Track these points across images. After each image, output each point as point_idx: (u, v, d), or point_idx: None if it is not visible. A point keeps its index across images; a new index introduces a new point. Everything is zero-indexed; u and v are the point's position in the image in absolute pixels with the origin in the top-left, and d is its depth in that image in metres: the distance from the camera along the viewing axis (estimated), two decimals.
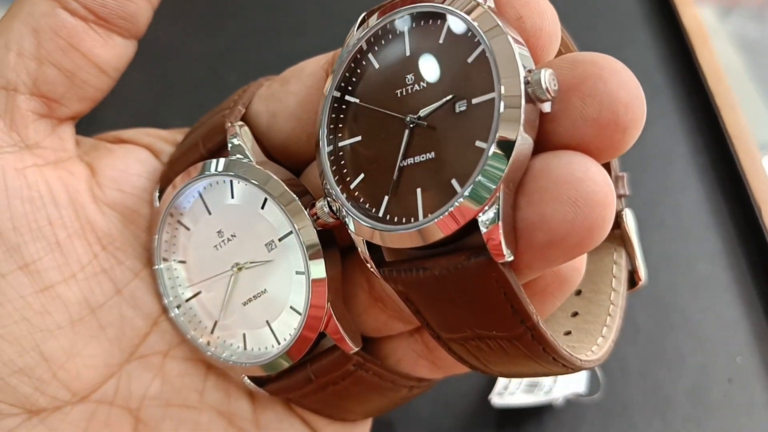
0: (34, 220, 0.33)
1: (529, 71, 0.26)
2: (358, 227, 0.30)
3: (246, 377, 0.36)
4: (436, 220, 0.27)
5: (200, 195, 0.35)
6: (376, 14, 0.31)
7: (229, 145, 0.34)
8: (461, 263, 0.27)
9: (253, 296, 0.35)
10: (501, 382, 0.49)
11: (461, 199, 0.26)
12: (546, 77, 0.25)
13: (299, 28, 0.71)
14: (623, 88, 0.25)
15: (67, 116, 0.35)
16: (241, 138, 0.34)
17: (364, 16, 0.32)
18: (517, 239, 0.27)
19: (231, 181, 0.34)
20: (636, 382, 0.50)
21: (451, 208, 0.27)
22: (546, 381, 0.48)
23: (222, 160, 0.34)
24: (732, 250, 0.56)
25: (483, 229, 0.26)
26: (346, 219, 0.30)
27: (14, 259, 0.32)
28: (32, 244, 0.33)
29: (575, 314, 0.37)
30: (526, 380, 0.48)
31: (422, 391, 0.38)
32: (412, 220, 0.28)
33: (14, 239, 0.32)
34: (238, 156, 0.34)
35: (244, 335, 0.35)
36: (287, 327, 0.34)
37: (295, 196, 0.32)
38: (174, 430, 0.36)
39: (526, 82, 0.26)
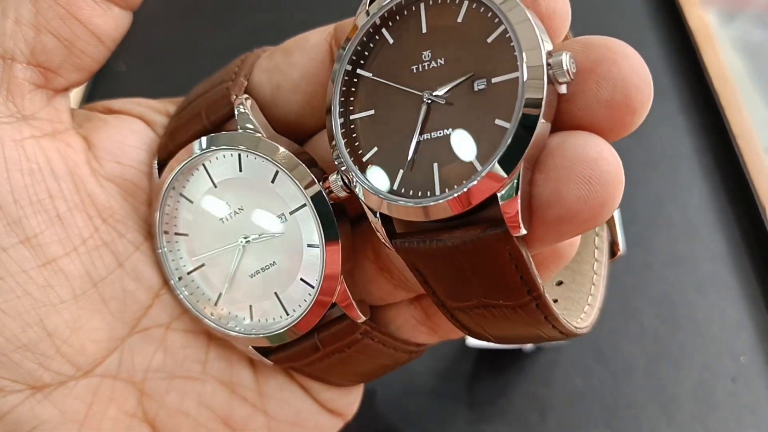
0: (35, 193, 0.32)
1: (549, 53, 0.27)
2: (369, 197, 0.30)
3: (251, 347, 0.36)
4: (457, 194, 0.28)
5: (205, 168, 0.35)
6: None
7: (237, 117, 0.34)
8: (477, 236, 0.28)
9: (261, 268, 0.35)
10: None
11: (483, 175, 0.27)
12: (566, 60, 0.26)
13: (308, 25, 0.71)
14: (635, 72, 0.26)
15: (63, 87, 0.34)
16: (249, 111, 0.34)
17: None
18: (532, 214, 0.28)
19: (239, 155, 0.34)
20: (641, 380, 0.50)
21: (473, 184, 0.28)
22: None
23: (229, 134, 0.34)
24: (736, 250, 0.56)
25: (502, 204, 0.27)
26: (357, 189, 0.31)
27: (15, 233, 0.32)
28: (33, 218, 0.32)
29: (560, 283, 0.38)
30: None
31: (419, 355, 0.39)
32: (428, 194, 0.29)
33: (15, 212, 0.32)
34: (248, 128, 0.34)
35: (250, 307, 0.36)
36: (297, 298, 0.34)
37: (308, 170, 0.33)
38: (178, 401, 0.37)
39: (548, 65, 0.27)
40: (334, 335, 0.35)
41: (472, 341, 0.50)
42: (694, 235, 0.57)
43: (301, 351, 0.35)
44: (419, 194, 0.29)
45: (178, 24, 0.72)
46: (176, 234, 0.36)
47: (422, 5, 0.31)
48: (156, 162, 0.36)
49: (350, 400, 0.40)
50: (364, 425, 0.43)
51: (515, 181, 0.27)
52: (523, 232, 0.27)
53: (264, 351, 0.36)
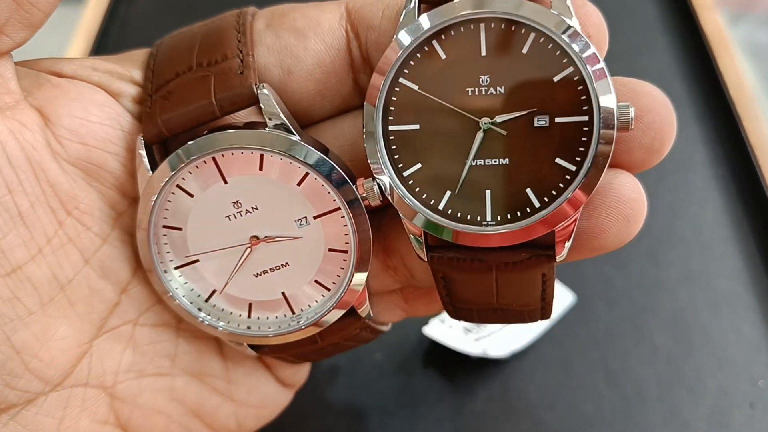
0: None
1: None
2: (409, 213, 0.31)
3: (247, 345, 0.36)
4: (520, 226, 0.30)
5: (215, 162, 0.32)
6: (442, 5, 0.31)
7: (264, 112, 0.32)
8: (521, 259, 0.31)
9: (270, 269, 0.34)
10: (442, 315, 0.50)
11: (551, 210, 0.30)
12: (632, 112, 0.29)
13: None
14: (670, 123, 0.30)
15: (7, 49, 0.29)
16: (275, 104, 0.32)
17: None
18: (572, 243, 0.31)
19: (261, 154, 0.32)
20: (654, 405, 0.47)
21: (538, 218, 0.30)
22: (482, 331, 0.50)
23: (257, 134, 0.32)
24: (754, 267, 0.54)
25: (558, 232, 0.30)
26: (397, 203, 0.31)
27: None
28: None
29: None
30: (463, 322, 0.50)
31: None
32: (479, 219, 0.31)
33: None
34: (275, 124, 0.31)
35: (250, 305, 0.35)
36: (307, 299, 0.34)
37: (344, 175, 0.32)
38: (151, 401, 0.35)
39: (618, 113, 0.29)
40: (336, 330, 0.35)
41: (429, 331, 0.49)
42: (708, 251, 0.55)
43: (297, 344, 0.36)
44: (468, 218, 0.31)
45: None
46: (165, 227, 0.34)
47: (482, 26, 0.30)
48: (143, 144, 0.32)
49: (304, 372, 0.41)
50: None
51: (576, 220, 0.30)
52: (563, 257, 0.31)
53: (257, 346, 0.36)
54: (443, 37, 0.31)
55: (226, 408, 0.38)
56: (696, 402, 0.48)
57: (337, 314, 0.34)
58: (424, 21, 0.31)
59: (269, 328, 0.35)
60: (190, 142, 0.32)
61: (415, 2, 0.31)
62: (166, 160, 0.32)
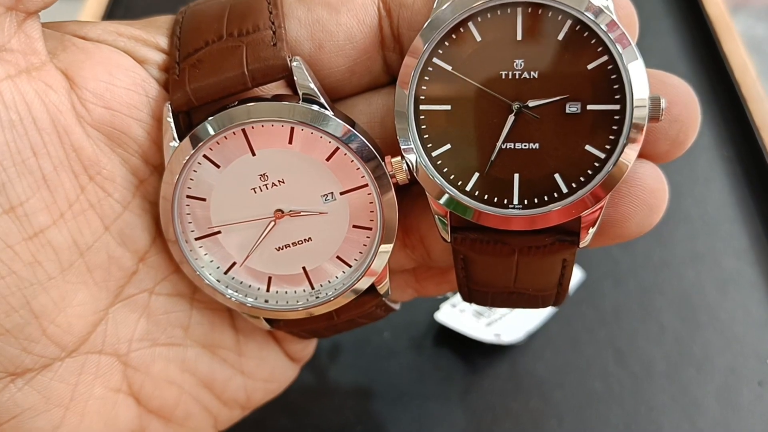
0: (17, 151, 0.28)
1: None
2: (437, 192, 0.31)
3: (263, 319, 0.35)
4: (548, 210, 0.30)
5: (245, 134, 0.32)
6: None
7: (298, 86, 0.31)
8: (544, 244, 0.31)
9: (292, 243, 0.34)
10: (452, 300, 0.51)
11: (580, 196, 0.30)
12: (664, 102, 0.29)
13: None
14: (694, 116, 0.31)
15: (36, 8, 0.29)
16: (308, 77, 0.31)
17: None
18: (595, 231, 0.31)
19: (292, 128, 0.32)
20: (662, 383, 0.47)
21: (566, 203, 0.30)
22: (494, 315, 0.50)
23: (289, 106, 0.31)
24: (760, 246, 0.54)
25: (584, 219, 0.30)
26: (426, 183, 0.31)
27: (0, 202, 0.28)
28: (18, 182, 0.28)
29: None
30: (475, 306, 0.50)
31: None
32: (505, 201, 0.31)
33: None
34: (307, 98, 0.31)
35: (269, 279, 0.35)
36: (327, 275, 0.34)
37: (375, 152, 0.32)
38: (163, 370, 0.35)
39: (650, 103, 0.29)
40: (354, 307, 0.35)
41: (441, 317, 0.50)
42: (714, 231, 0.55)
43: (313, 320, 0.35)
44: (495, 200, 0.31)
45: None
46: (188, 197, 0.33)
47: (519, 9, 0.30)
48: (170, 113, 0.31)
49: (311, 347, 0.41)
50: None
51: (603, 206, 0.30)
52: (587, 244, 0.31)
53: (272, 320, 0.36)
54: (479, 19, 0.31)
55: (236, 381, 0.38)
56: (704, 380, 0.47)
57: (360, 289, 0.34)
58: (462, 2, 0.31)
59: (287, 302, 0.35)
60: (221, 113, 0.31)
61: None
62: (195, 129, 0.32)
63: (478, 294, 0.37)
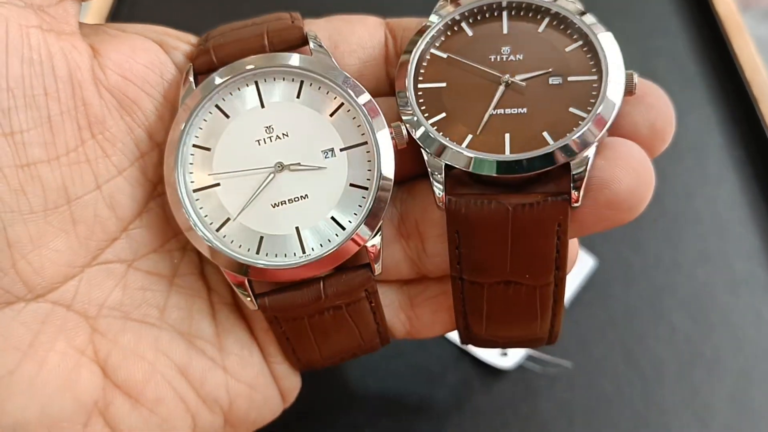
0: (30, 86, 0.30)
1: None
2: (437, 151, 0.34)
3: (245, 281, 0.34)
4: (535, 153, 0.32)
5: (257, 85, 0.34)
6: None
7: (312, 48, 0.35)
8: (537, 200, 0.32)
9: (288, 200, 0.34)
10: None
11: (561, 144, 0.32)
12: (636, 77, 0.33)
13: (318, 11, 0.68)
14: (670, 110, 0.34)
15: None
16: (320, 42, 0.35)
17: None
18: (585, 194, 0.32)
19: (302, 81, 0.34)
20: (673, 385, 0.47)
21: (550, 150, 0.32)
22: None
23: (298, 56, 0.34)
24: None
25: (576, 173, 0.32)
26: (428, 143, 0.34)
27: (0, 124, 0.30)
28: (23, 112, 0.30)
29: None
30: None
31: (386, 344, 0.40)
32: (498, 155, 0.33)
33: (5, 101, 0.29)
34: (320, 59, 0.34)
35: (261, 238, 0.34)
36: (319, 237, 0.34)
37: (380, 111, 0.34)
38: (134, 343, 0.35)
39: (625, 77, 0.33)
40: (344, 284, 0.35)
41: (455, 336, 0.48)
42: (725, 232, 0.54)
43: (300, 297, 0.35)
44: (489, 152, 0.33)
45: (182, 9, 0.70)
46: (194, 146, 0.34)
47: (505, 12, 0.37)
48: (192, 71, 0.34)
49: (295, 383, 0.40)
50: None
51: (589, 156, 0.32)
52: (578, 204, 0.32)
53: (260, 293, 0.35)
54: (471, 20, 0.37)
55: (216, 375, 0.36)
56: (715, 382, 0.47)
57: (344, 254, 0.34)
58: (453, 6, 0.37)
59: (276, 259, 0.34)
60: (235, 61, 0.34)
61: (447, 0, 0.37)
62: (209, 77, 0.34)
63: (472, 291, 0.36)
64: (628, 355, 0.48)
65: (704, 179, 0.57)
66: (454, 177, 0.34)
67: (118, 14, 0.69)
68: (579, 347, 0.49)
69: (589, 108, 0.33)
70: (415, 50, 0.36)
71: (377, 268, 0.35)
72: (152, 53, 0.34)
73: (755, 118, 0.59)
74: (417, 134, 0.34)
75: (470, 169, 0.33)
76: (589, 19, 0.35)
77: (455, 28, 0.37)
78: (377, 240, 0.34)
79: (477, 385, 0.47)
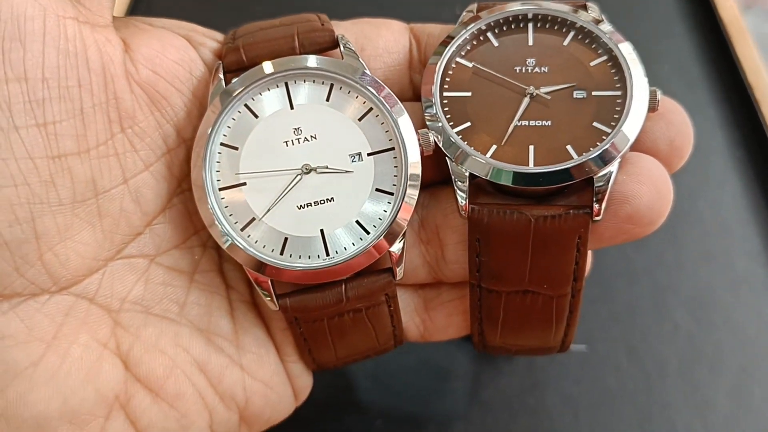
0: (65, 77, 0.30)
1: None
2: (460, 158, 0.34)
3: (269, 282, 0.34)
4: (559, 167, 0.33)
5: (287, 86, 0.34)
6: (496, 7, 0.37)
7: (343, 50, 0.35)
8: (559, 213, 0.33)
9: (315, 202, 0.34)
10: None
11: (584, 159, 0.33)
12: (659, 93, 0.34)
13: (327, 10, 0.69)
14: (690, 129, 0.36)
15: None
16: (352, 45, 0.35)
17: (477, 7, 0.38)
18: (607, 208, 0.33)
19: (332, 84, 0.34)
20: (675, 382, 0.48)
21: (574, 164, 0.33)
22: None
23: (329, 59, 0.34)
24: None
25: (598, 186, 0.33)
26: (455, 153, 0.34)
27: (34, 114, 0.30)
28: (57, 103, 0.30)
29: None
30: None
31: (400, 344, 0.40)
32: (522, 166, 0.34)
33: (40, 91, 0.30)
34: (352, 63, 0.34)
35: (285, 239, 0.34)
36: (343, 241, 0.34)
37: (409, 118, 0.34)
38: (155, 338, 0.35)
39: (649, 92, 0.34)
40: (365, 288, 0.35)
41: None
42: (727, 232, 0.55)
43: (322, 300, 0.35)
44: (512, 165, 0.34)
45: (196, 8, 0.71)
46: (222, 144, 0.34)
47: (530, 24, 0.37)
48: (222, 68, 0.35)
49: (308, 383, 0.40)
50: None
51: (612, 171, 0.33)
52: (599, 218, 0.33)
53: (281, 293, 0.35)
54: (496, 30, 0.37)
55: (233, 372, 0.37)
56: (716, 379, 0.48)
57: (368, 258, 0.34)
58: (480, 17, 0.37)
59: (300, 259, 0.34)
60: (266, 62, 0.34)
61: (473, 11, 0.38)
62: (240, 77, 0.34)
63: (489, 299, 0.36)
64: (632, 352, 0.49)
65: (707, 180, 0.58)
66: (477, 185, 0.34)
67: (136, 9, 0.70)
68: (583, 342, 0.50)
69: (613, 123, 0.34)
70: (441, 58, 0.36)
71: (399, 272, 0.35)
72: (182, 49, 0.35)
73: (757, 120, 0.59)
74: (442, 142, 0.34)
75: (494, 179, 0.33)
76: (607, 27, 0.36)
77: (481, 38, 0.37)
78: (400, 244, 0.34)
79: (485, 379, 0.48)
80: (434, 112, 0.35)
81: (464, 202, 0.34)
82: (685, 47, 0.67)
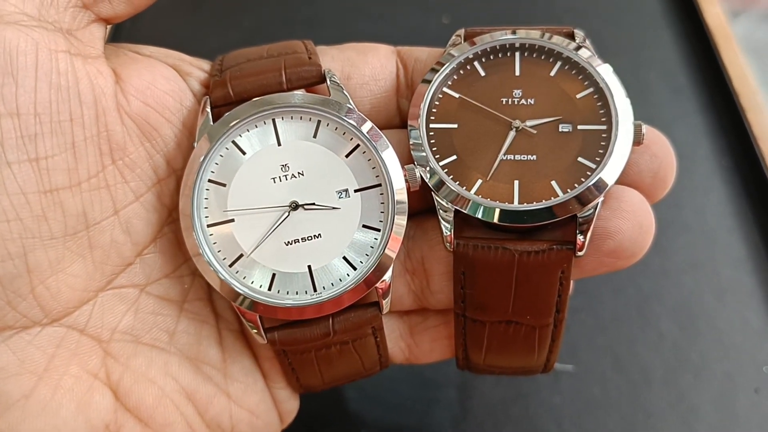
0: (57, 112, 0.30)
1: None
2: (448, 196, 0.34)
3: (262, 329, 0.35)
4: (543, 205, 0.33)
5: (274, 123, 0.34)
6: (484, 35, 0.37)
7: (330, 86, 0.35)
8: (543, 249, 0.33)
9: (302, 238, 0.34)
10: None
11: (568, 197, 0.33)
12: (645, 127, 0.34)
13: (313, 22, 0.70)
14: (673, 160, 0.36)
15: (106, 16, 0.33)
16: (338, 80, 0.35)
17: (465, 33, 0.38)
18: (589, 242, 0.33)
19: (319, 121, 0.34)
20: (660, 390, 0.48)
21: (558, 202, 0.33)
22: None
23: (316, 96, 0.34)
24: (758, 256, 0.54)
25: (581, 225, 0.33)
26: (441, 188, 0.34)
27: (26, 149, 0.30)
28: (49, 138, 0.30)
29: None
30: None
31: (385, 368, 0.40)
32: (507, 204, 0.34)
33: (33, 127, 0.30)
34: (339, 99, 0.34)
35: (273, 275, 0.34)
36: (331, 276, 0.34)
37: (395, 155, 0.34)
38: (145, 367, 0.35)
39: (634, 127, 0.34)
40: (352, 321, 0.35)
41: None
42: (713, 240, 0.55)
43: (309, 333, 0.35)
44: (497, 201, 0.34)
45: (183, 21, 0.71)
46: (210, 181, 0.34)
47: (518, 54, 0.37)
48: (209, 102, 0.35)
49: (294, 406, 0.41)
50: None
51: (594, 209, 0.33)
52: (583, 253, 0.33)
53: (269, 327, 0.35)
54: (483, 60, 0.37)
55: (220, 401, 0.37)
56: (702, 387, 0.48)
57: (356, 294, 0.34)
58: (467, 45, 0.37)
59: (288, 296, 0.34)
60: (254, 99, 0.34)
61: (461, 36, 0.37)
62: (228, 113, 0.34)
63: (474, 328, 0.37)
64: (616, 360, 0.49)
65: (692, 188, 0.58)
66: (462, 218, 0.34)
67: (120, 25, 0.71)
68: (568, 352, 0.50)
69: (598, 159, 0.34)
70: (428, 88, 0.36)
71: (385, 305, 0.35)
72: (171, 80, 0.35)
73: (743, 128, 0.60)
74: (427, 176, 0.34)
75: (479, 216, 0.34)
76: (586, 53, 0.36)
77: (468, 67, 0.37)
78: (387, 279, 0.34)
79: (470, 389, 0.48)
80: (420, 144, 0.35)
81: (449, 233, 0.34)
82: (671, 54, 0.67)
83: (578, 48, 0.36)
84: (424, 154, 0.35)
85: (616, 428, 0.47)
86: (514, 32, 0.37)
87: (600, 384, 0.48)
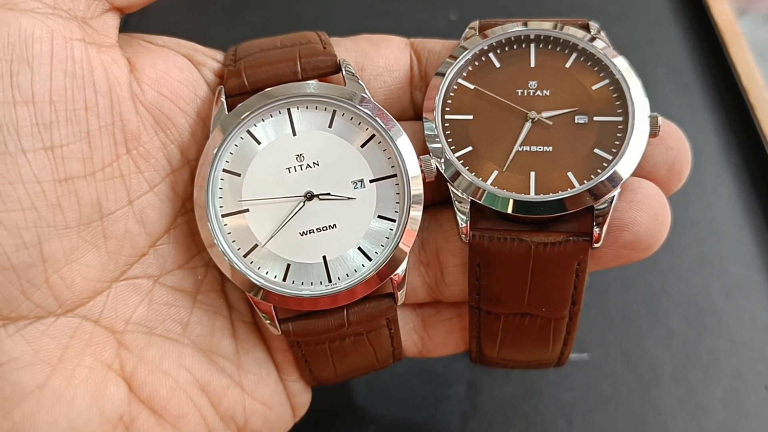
0: (72, 100, 0.30)
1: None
2: (464, 186, 0.34)
3: (276, 321, 0.35)
4: (560, 196, 0.33)
5: (289, 113, 0.34)
6: (498, 27, 0.37)
7: (346, 76, 0.35)
8: (560, 240, 0.33)
9: (317, 229, 0.34)
10: None
11: (584, 189, 0.33)
12: (661, 119, 0.34)
13: (321, 18, 0.69)
14: (688, 152, 0.36)
15: (121, 5, 0.33)
16: (353, 70, 0.35)
17: (479, 25, 0.38)
18: (605, 233, 0.33)
19: (334, 111, 0.34)
20: (669, 386, 0.48)
21: (574, 193, 0.33)
22: None
23: (331, 86, 0.34)
24: (766, 252, 0.54)
25: (597, 217, 0.33)
26: (457, 179, 0.34)
27: (41, 137, 0.30)
28: (64, 126, 0.30)
29: None
30: None
31: (398, 360, 0.40)
32: (523, 195, 0.34)
33: (48, 114, 0.30)
34: (354, 89, 0.34)
35: (288, 266, 0.34)
36: (346, 267, 0.34)
37: (411, 144, 0.34)
38: (158, 358, 0.35)
39: (649, 117, 0.34)
40: (367, 313, 0.35)
41: None
42: (721, 237, 0.55)
43: (324, 324, 0.35)
44: (513, 193, 0.34)
45: (191, 16, 0.71)
46: (224, 171, 0.34)
47: (533, 45, 0.37)
48: (224, 92, 0.34)
49: (307, 399, 0.40)
50: None
51: (612, 199, 0.33)
52: (599, 245, 0.33)
53: (283, 318, 0.35)
54: (498, 51, 0.37)
55: (234, 393, 0.37)
56: (711, 384, 0.48)
57: (372, 285, 0.34)
58: (481, 37, 0.37)
59: (302, 287, 0.34)
60: (269, 88, 0.34)
61: (476, 29, 0.37)
62: (243, 103, 0.33)
63: (488, 321, 0.37)
64: (626, 357, 0.49)
65: (701, 185, 0.58)
66: (477, 209, 0.34)
67: (128, 22, 0.70)
68: (578, 348, 0.50)
69: (614, 150, 0.34)
70: (443, 80, 0.36)
71: (400, 296, 0.35)
72: (185, 70, 0.35)
73: (752, 125, 0.60)
74: (443, 167, 0.34)
75: (495, 207, 0.33)
76: (600, 44, 0.35)
77: (483, 59, 0.37)
78: (402, 269, 0.34)
79: (479, 384, 0.48)
80: (435, 135, 0.35)
81: (465, 224, 0.34)
82: (679, 51, 0.67)
83: (593, 39, 0.36)
84: (439, 145, 0.35)
85: (626, 425, 0.47)
86: (526, 24, 0.37)
87: (610, 380, 0.48)
